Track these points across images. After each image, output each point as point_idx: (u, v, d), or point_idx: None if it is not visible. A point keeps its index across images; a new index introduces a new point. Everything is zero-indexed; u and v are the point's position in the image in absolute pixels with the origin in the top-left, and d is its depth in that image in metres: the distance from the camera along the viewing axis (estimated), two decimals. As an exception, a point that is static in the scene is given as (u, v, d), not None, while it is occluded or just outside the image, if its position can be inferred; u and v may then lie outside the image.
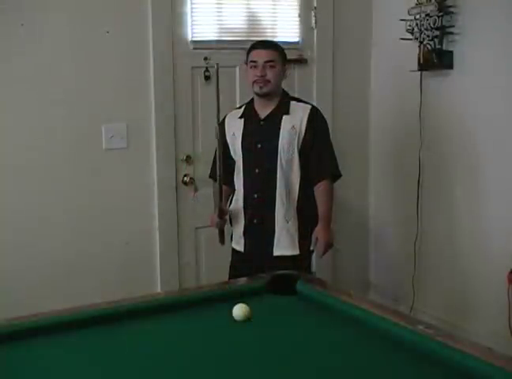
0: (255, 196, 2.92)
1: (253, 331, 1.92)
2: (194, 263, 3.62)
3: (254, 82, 2.85)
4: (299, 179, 2.89)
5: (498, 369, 1.57)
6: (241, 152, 2.93)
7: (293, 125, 2.85)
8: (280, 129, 2.85)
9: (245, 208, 2.96)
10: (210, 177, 3.12)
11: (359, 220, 4.15)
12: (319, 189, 2.90)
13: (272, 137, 2.86)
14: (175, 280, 3.54)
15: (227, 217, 3.00)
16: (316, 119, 2.89)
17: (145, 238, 3.48)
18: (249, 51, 2.90)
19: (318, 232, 2.91)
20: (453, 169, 3.56)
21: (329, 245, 2.95)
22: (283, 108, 2.88)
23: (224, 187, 3.00)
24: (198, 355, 1.77)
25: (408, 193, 3.80)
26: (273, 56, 2.84)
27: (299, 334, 1.92)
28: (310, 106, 2.92)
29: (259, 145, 2.89)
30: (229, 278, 2.94)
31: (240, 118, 2.96)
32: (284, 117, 2.86)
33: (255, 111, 2.93)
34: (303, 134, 2.85)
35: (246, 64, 2.90)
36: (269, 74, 2.82)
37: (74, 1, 3.16)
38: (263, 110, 2.91)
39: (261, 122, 2.91)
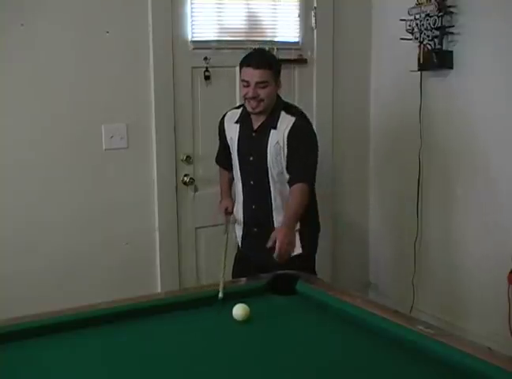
0: (253, 206, 2.93)
1: (253, 331, 1.92)
2: (194, 263, 3.62)
3: (246, 100, 2.78)
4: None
5: (497, 369, 1.57)
6: (238, 163, 2.93)
7: (277, 140, 2.79)
8: (267, 144, 2.80)
9: (244, 216, 2.98)
10: (216, 162, 3.15)
11: (359, 220, 4.15)
12: (290, 191, 2.78)
13: (261, 151, 2.82)
14: (175, 280, 3.54)
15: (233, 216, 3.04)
16: (295, 133, 2.76)
17: (145, 238, 3.48)
18: (241, 66, 2.79)
19: (278, 232, 2.68)
20: (453, 169, 3.56)
21: (286, 247, 2.65)
22: (272, 121, 2.80)
23: (226, 173, 3.09)
24: (198, 355, 1.77)
25: (408, 193, 3.80)
26: (266, 76, 2.73)
27: (299, 334, 1.92)
28: (293, 120, 2.78)
29: (251, 158, 2.87)
30: (232, 272, 2.95)
31: (236, 122, 2.93)
32: (272, 131, 2.80)
33: (250, 119, 2.88)
34: (285, 149, 2.78)
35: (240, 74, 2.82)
36: (262, 94, 2.73)
37: (74, 2, 3.16)
38: (256, 120, 2.86)
39: (253, 134, 2.87)
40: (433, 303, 3.71)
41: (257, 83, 2.72)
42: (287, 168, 2.80)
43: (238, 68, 3.42)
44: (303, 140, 2.79)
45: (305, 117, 2.89)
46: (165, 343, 1.84)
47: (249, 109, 2.81)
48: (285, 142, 2.78)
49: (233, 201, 3.07)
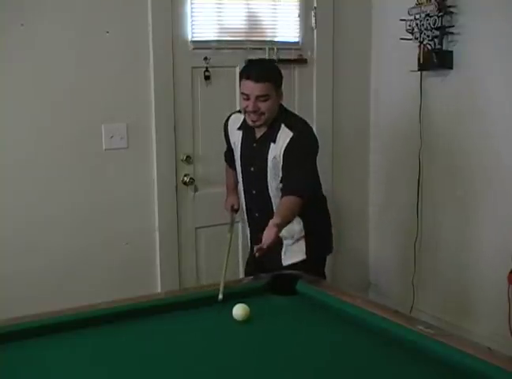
0: (256, 214, 2.91)
1: (253, 331, 1.92)
2: (194, 263, 3.62)
3: (246, 113, 2.70)
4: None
5: (497, 369, 1.57)
6: (240, 171, 2.91)
7: (275, 155, 2.73)
8: (267, 157, 2.75)
9: (249, 222, 2.98)
10: (225, 160, 3.14)
11: (359, 220, 4.15)
12: (282, 201, 2.69)
13: (261, 164, 2.78)
14: (175, 280, 3.54)
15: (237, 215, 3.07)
16: (292, 147, 2.68)
17: (145, 238, 3.48)
18: (241, 78, 2.71)
19: (268, 232, 2.51)
20: (454, 169, 3.56)
21: (271, 246, 2.49)
22: (272, 134, 2.73)
23: (231, 170, 3.08)
24: (198, 355, 1.77)
25: (408, 193, 3.80)
26: (266, 90, 2.63)
27: (299, 334, 1.92)
28: (291, 135, 2.68)
29: (252, 168, 2.84)
30: (245, 272, 2.98)
31: (239, 129, 2.89)
32: (272, 145, 2.73)
33: (252, 127, 2.80)
34: (281, 164, 2.73)
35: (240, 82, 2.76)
36: (263, 107, 2.65)
37: (74, 2, 3.16)
38: (258, 129, 2.80)
39: (254, 145, 2.82)
40: (433, 303, 3.71)
41: (257, 96, 2.64)
42: (280, 181, 2.74)
43: (238, 68, 3.45)
44: (297, 154, 2.70)
45: (305, 129, 2.78)
46: (165, 343, 1.84)
47: (249, 122, 2.73)
48: (281, 158, 2.71)
49: (238, 198, 3.07)
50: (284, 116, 2.77)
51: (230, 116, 3.00)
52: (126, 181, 3.39)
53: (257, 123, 2.71)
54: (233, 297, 2.08)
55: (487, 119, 3.33)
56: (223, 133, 3.03)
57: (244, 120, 2.85)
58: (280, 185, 2.75)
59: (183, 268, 3.59)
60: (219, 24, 3.57)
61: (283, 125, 2.72)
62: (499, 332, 3.19)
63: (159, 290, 3.49)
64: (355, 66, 3.99)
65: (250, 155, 2.85)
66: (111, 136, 3.32)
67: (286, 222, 2.61)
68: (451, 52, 3.41)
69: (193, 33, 3.47)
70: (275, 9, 3.71)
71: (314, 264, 2.85)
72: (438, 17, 3.35)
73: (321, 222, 2.95)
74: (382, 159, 4.06)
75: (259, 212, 2.90)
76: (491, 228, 3.37)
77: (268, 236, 2.47)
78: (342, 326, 1.95)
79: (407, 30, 3.53)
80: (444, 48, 3.42)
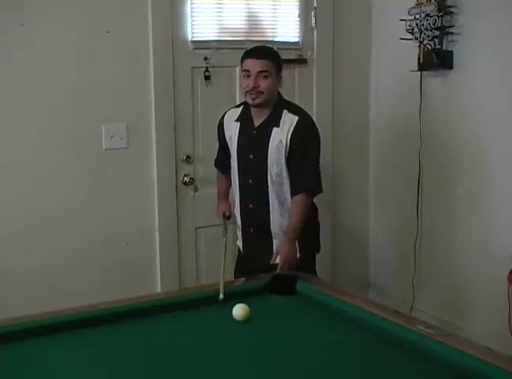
0: (250, 206, 2.92)
1: (253, 331, 1.93)
2: (194, 263, 3.62)
3: (247, 92, 2.76)
4: (290, 191, 2.82)
5: (497, 369, 1.57)
6: (236, 162, 2.91)
7: (280, 139, 2.76)
8: (269, 143, 2.78)
9: (242, 216, 2.97)
10: (215, 165, 3.16)
11: (359, 220, 4.15)
12: (293, 202, 2.80)
13: (262, 150, 2.80)
14: (175, 280, 3.54)
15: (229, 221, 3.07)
16: (300, 132, 2.75)
17: (145, 238, 3.48)
18: (243, 58, 2.79)
19: (281, 246, 2.81)
20: (454, 169, 3.56)
21: (290, 260, 2.74)
22: (274, 119, 2.79)
23: (223, 176, 3.10)
24: (198, 355, 1.77)
25: (408, 193, 3.80)
26: (267, 66, 2.73)
27: (298, 334, 1.92)
28: (297, 119, 2.77)
29: (251, 156, 2.85)
30: (234, 273, 2.97)
31: (236, 121, 2.92)
32: (274, 129, 2.78)
33: (250, 117, 2.86)
34: (288, 148, 2.77)
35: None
36: (262, 85, 2.72)
37: (74, 2, 3.16)
38: (257, 118, 2.84)
39: (254, 132, 2.85)
40: (433, 303, 3.71)
41: (258, 72, 2.71)
42: (289, 173, 2.79)
43: (238, 68, 3.44)
44: (306, 144, 2.78)
45: (308, 115, 2.88)
46: (165, 343, 1.84)
47: (249, 101, 2.79)
48: (288, 143, 2.75)
49: (230, 204, 3.09)
50: (285, 104, 2.85)
51: (225, 113, 3.02)
52: (126, 181, 3.39)
53: (257, 101, 2.75)
54: (233, 297, 2.08)
55: (487, 119, 3.32)
56: (217, 132, 3.04)
57: (241, 112, 2.91)
58: (284, 174, 2.78)
59: (183, 268, 3.59)
60: (219, 24, 3.57)
61: (285, 111, 2.80)
62: (499, 332, 3.19)
63: (159, 290, 3.49)
64: (355, 66, 3.98)
65: (250, 143, 2.87)
66: (111, 136, 3.32)
67: (300, 227, 2.79)
68: (451, 52, 3.41)
69: (193, 33, 3.47)
70: (275, 9, 3.71)
71: (306, 262, 2.85)
72: (438, 17, 3.35)
73: (311, 220, 2.95)
74: (381, 159, 4.06)
75: (253, 203, 2.91)
76: (491, 228, 3.37)
77: (281, 258, 2.73)
78: (342, 326, 1.96)
79: (407, 30, 3.53)
80: (444, 48, 3.41)
